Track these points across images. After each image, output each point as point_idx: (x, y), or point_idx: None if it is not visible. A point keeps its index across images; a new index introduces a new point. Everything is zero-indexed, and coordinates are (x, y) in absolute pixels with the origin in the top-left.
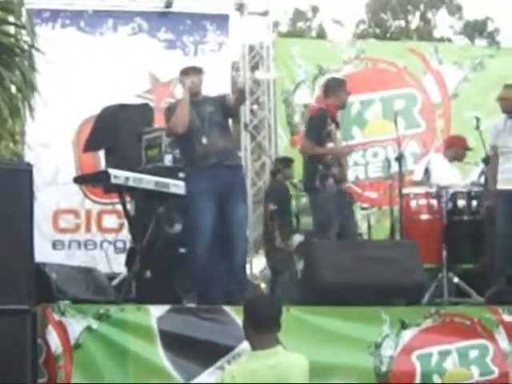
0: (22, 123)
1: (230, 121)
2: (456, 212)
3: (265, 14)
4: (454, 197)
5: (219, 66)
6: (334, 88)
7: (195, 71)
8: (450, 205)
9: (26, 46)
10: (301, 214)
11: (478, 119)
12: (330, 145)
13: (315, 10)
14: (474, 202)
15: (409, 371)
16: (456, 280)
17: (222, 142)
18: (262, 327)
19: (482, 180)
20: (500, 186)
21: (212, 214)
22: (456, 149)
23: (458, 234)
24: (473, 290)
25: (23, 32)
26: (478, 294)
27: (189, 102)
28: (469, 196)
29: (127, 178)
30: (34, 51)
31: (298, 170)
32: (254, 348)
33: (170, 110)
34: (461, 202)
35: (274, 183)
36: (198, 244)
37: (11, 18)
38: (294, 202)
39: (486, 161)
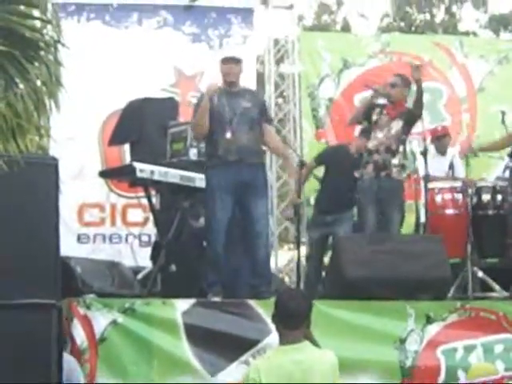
0: (47, 117)
1: None
2: (481, 206)
3: (290, 7)
4: (479, 191)
5: (244, 60)
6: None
7: (234, 61)
8: (475, 199)
9: (51, 41)
10: None
11: (503, 113)
12: (378, 134)
13: (340, 3)
14: (499, 197)
15: (433, 366)
16: (480, 274)
17: (247, 139)
18: (291, 322)
19: (507, 174)
20: None
21: (230, 208)
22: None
23: (482, 229)
24: (497, 285)
25: (49, 27)
26: (502, 288)
27: (207, 109)
28: (494, 190)
29: (152, 172)
30: (59, 45)
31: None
32: (281, 342)
33: (197, 107)
34: (485, 197)
35: None
36: (215, 237)
37: (36, 13)
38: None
39: None
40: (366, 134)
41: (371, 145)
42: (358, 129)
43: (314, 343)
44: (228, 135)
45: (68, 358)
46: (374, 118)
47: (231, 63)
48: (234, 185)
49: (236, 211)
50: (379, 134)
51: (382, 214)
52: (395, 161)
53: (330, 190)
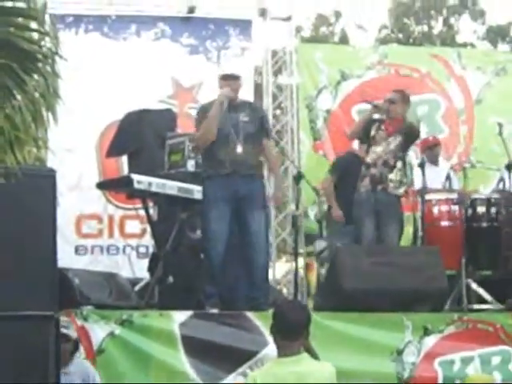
0: (45, 129)
1: None
2: (475, 218)
3: (288, 19)
4: (474, 203)
5: (242, 71)
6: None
7: (234, 78)
8: (470, 211)
9: (49, 53)
10: (323, 219)
11: (500, 125)
12: (376, 148)
13: (338, 14)
14: (494, 209)
15: (431, 378)
16: (474, 286)
17: (245, 153)
18: (289, 334)
19: (502, 186)
20: None
21: (227, 219)
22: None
23: (476, 241)
24: (492, 297)
25: (46, 38)
26: (497, 300)
27: (218, 116)
28: (488, 202)
29: (150, 184)
30: (57, 57)
31: (322, 176)
32: (279, 354)
33: (200, 115)
34: (480, 209)
35: None
36: (212, 248)
37: (34, 25)
38: (316, 208)
39: (510, 167)
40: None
41: (369, 158)
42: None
43: (314, 354)
44: (226, 148)
45: (84, 364)
46: (373, 132)
47: (230, 80)
48: (230, 196)
49: (233, 223)
50: (377, 149)
51: (380, 226)
52: (392, 176)
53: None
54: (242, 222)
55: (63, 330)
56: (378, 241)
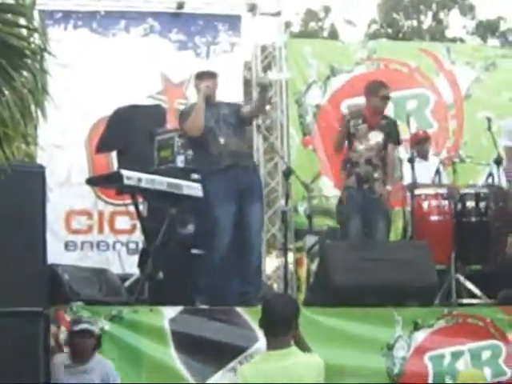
0: (34, 125)
1: None
2: (464, 213)
3: (277, 14)
4: (463, 198)
5: (231, 67)
6: (367, 92)
7: (210, 76)
8: (459, 206)
9: (37, 49)
10: (313, 215)
11: (489, 120)
12: (358, 146)
13: (327, 10)
14: (483, 204)
15: (421, 372)
16: (463, 281)
17: (237, 144)
18: (277, 328)
19: (490, 181)
20: None
21: (232, 216)
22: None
23: (466, 236)
24: (481, 292)
25: (35, 35)
26: (486, 295)
27: (203, 107)
28: (477, 197)
29: (140, 180)
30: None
31: (311, 171)
32: (268, 348)
33: (184, 114)
34: (470, 204)
35: None
36: (217, 246)
37: (22, 21)
38: (305, 203)
39: (498, 162)
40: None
41: (353, 156)
42: None
43: (305, 345)
44: (221, 140)
45: (104, 362)
46: (352, 130)
47: (206, 78)
48: (233, 190)
49: (236, 218)
50: (360, 146)
51: (368, 222)
52: (377, 175)
53: None
54: (242, 215)
55: (87, 326)
56: (366, 236)
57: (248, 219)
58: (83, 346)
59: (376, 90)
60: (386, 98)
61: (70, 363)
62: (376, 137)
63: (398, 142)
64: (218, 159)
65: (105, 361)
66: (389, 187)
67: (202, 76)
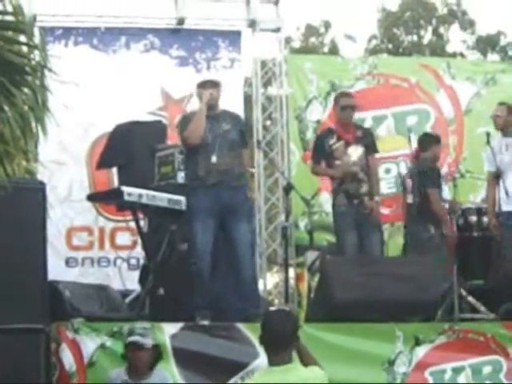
0: (34, 141)
1: None
2: (466, 228)
3: (277, 30)
4: (465, 213)
5: (232, 83)
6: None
7: (213, 84)
8: (461, 221)
9: (37, 66)
10: (314, 230)
11: (488, 135)
12: (336, 162)
13: (327, 25)
14: (485, 219)
15: None
16: (465, 295)
17: (229, 162)
18: (277, 344)
19: None
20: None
21: (212, 231)
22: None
23: (468, 250)
24: (483, 306)
25: (35, 52)
26: (488, 310)
27: (204, 116)
28: (479, 212)
29: (140, 196)
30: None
31: (312, 186)
32: (269, 364)
33: (184, 121)
34: (471, 218)
35: None
36: (199, 259)
37: (23, 38)
38: (306, 219)
39: (498, 176)
40: None
41: (336, 174)
42: None
43: (307, 354)
44: (213, 159)
45: (165, 376)
46: (328, 150)
47: (209, 87)
48: (215, 207)
49: (217, 234)
50: (338, 162)
51: (362, 237)
52: (364, 189)
53: None
54: (226, 233)
55: (138, 338)
56: (361, 252)
57: (234, 233)
58: (136, 359)
59: (336, 101)
60: (348, 108)
61: (127, 379)
62: (356, 151)
63: (376, 151)
64: (206, 176)
65: (166, 375)
66: (377, 198)
67: (204, 85)
